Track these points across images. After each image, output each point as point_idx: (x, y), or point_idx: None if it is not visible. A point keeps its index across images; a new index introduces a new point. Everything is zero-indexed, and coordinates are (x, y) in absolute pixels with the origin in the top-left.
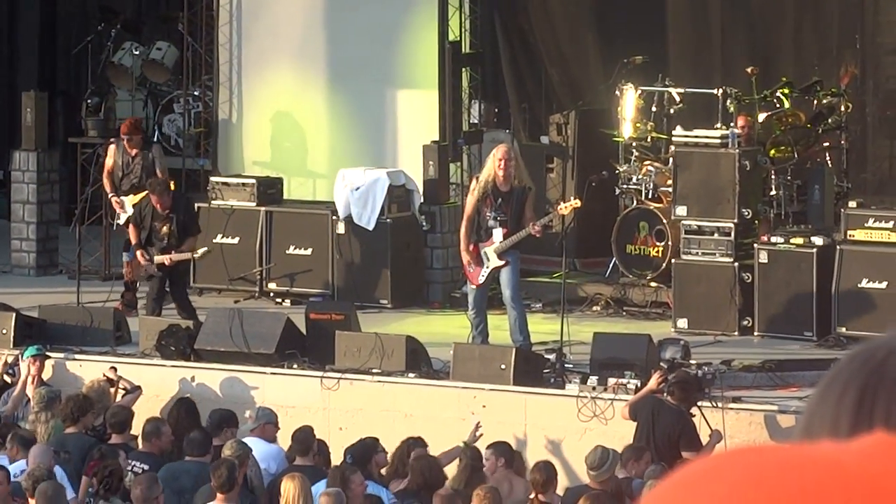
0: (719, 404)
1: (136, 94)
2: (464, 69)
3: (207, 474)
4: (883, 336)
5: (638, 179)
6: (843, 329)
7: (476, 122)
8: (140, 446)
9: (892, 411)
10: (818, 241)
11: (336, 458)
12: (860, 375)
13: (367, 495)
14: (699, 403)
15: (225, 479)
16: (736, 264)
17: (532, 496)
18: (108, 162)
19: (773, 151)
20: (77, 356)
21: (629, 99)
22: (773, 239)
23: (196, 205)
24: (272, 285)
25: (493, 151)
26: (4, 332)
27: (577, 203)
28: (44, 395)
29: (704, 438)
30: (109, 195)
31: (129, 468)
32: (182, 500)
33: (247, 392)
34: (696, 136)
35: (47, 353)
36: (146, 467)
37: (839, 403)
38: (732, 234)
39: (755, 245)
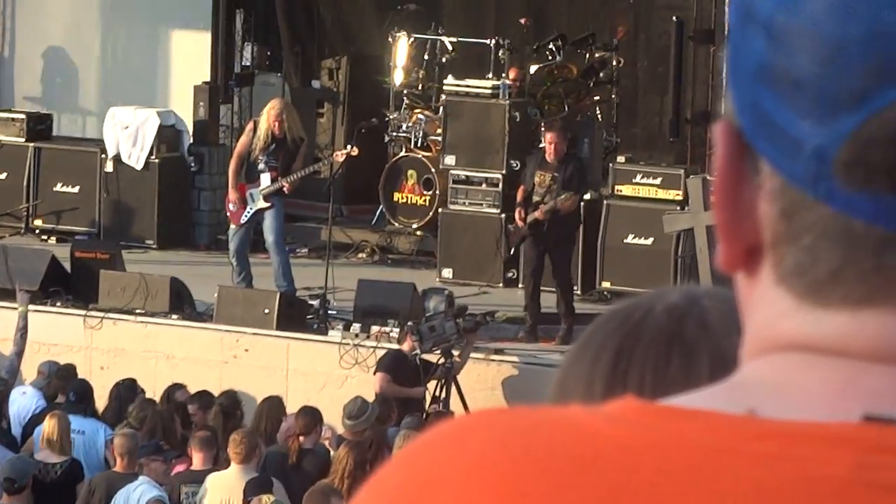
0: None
1: None
2: (237, 10)
3: None
4: (640, 296)
5: (408, 127)
6: (608, 284)
7: (248, 64)
8: None
9: (647, 373)
10: (585, 195)
11: (99, 399)
12: (616, 336)
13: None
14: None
15: None
16: (503, 216)
17: (293, 440)
18: None
19: (543, 103)
20: None
21: (401, 46)
22: None
23: None
24: (38, 222)
25: (268, 107)
26: None
27: (353, 151)
28: None
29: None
30: None
31: None
32: None
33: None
34: (468, 86)
35: None
36: None
37: (594, 364)
38: (500, 185)
39: None
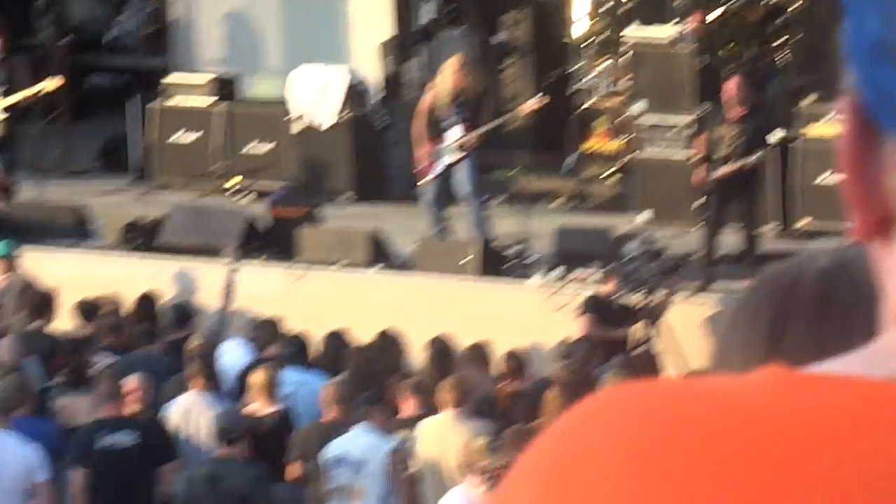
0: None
1: None
2: None
3: (157, 365)
4: (789, 261)
5: (592, 77)
6: (806, 221)
7: (430, 19)
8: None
9: (805, 336)
10: (773, 140)
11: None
12: (771, 301)
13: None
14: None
15: (198, 369)
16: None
17: (500, 385)
18: None
19: (727, 47)
20: (40, 251)
21: None
22: None
23: (149, 106)
24: (232, 182)
25: (448, 63)
26: None
27: (542, 101)
28: (16, 288)
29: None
30: None
31: (95, 362)
32: None
33: (211, 286)
34: (651, 33)
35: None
36: (109, 361)
37: (750, 330)
38: (690, 128)
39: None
